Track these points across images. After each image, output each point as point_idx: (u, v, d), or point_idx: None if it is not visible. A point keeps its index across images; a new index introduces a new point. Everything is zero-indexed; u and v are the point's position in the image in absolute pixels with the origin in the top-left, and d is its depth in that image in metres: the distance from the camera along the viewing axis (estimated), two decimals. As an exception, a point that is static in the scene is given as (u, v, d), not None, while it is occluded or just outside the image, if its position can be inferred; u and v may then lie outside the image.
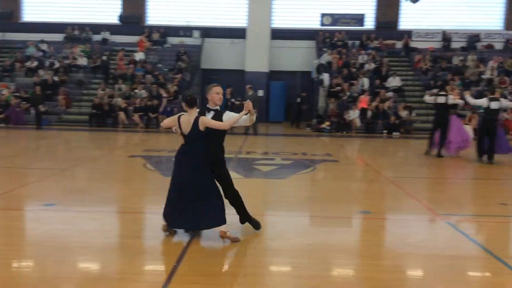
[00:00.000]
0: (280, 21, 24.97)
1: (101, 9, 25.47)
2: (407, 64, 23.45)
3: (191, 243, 4.87)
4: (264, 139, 16.30)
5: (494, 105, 10.75)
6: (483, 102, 11.23)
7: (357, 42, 24.36)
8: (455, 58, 22.80)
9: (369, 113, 19.07)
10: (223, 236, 4.87)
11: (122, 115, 18.65)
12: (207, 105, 5.08)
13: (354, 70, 21.92)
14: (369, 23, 25.17)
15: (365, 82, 20.97)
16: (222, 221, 4.85)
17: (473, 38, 24.01)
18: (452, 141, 11.85)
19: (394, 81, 21.13)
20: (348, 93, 20.20)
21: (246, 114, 4.93)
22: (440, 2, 24.54)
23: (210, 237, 5.04)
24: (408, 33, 24.40)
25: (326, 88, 20.72)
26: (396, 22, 24.97)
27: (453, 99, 12.01)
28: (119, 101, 19.25)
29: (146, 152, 11.93)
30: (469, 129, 18.31)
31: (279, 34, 24.32)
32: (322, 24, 24.74)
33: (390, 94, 20.42)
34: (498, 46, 24.26)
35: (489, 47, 24.08)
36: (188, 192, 4.83)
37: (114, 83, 20.78)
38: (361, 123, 18.83)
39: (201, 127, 4.79)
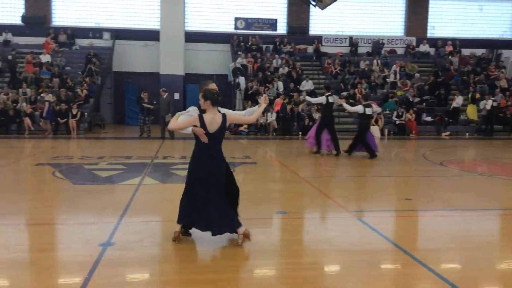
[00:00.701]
0: (195, 24, 24.87)
1: (1, 9, 23.69)
2: (318, 68, 24.38)
3: (104, 253, 4.67)
4: (182, 143, 16.07)
5: (368, 111, 12.30)
6: (359, 108, 12.51)
7: (271, 46, 24.91)
8: (362, 63, 24.11)
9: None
10: (248, 235, 4.85)
11: (28, 121, 17.46)
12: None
13: (269, 73, 22.38)
14: (282, 28, 25.83)
15: (280, 85, 21.49)
16: (239, 223, 4.90)
17: (378, 44, 25.54)
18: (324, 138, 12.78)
19: (307, 85, 21.86)
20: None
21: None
22: (347, 9, 25.81)
23: (124, 246, 4.87)
24: (318, 38, 25.37)
25: (243, 91, 20.95)
26: (307, 28, 25.86)
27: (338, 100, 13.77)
28: (24, 106, 18.01)
29: (54, 159, 11.27)
30: (375, 130, 19.51)
31: (194, 37, 24.20)
32: (236, 28, 24.98)
33: (303, 97, 21.08)
34: (400, 51, 26.04)
35: (392, 52, 25.76)
36: (214, 192, 4.78)
37: (18, 87, 19.40)
38: (278, 125, 19.27)
39: (227, 124, 4.77)
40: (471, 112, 21.00)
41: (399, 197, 8.01)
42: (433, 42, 25.93)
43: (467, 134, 20.30)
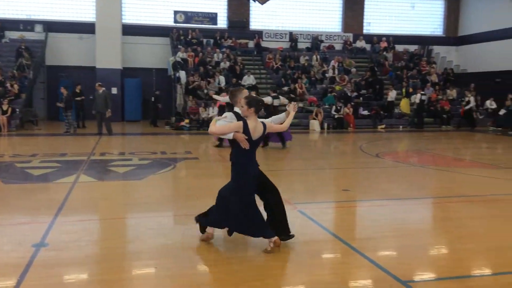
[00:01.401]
0: (132, 16, 24.18)
1: None
2: (259, 63, 24.51)
3: (37, 254, 4.45)
4: (120, 139, 15.65)
5: (276, 102, 13.23)
6: (268, 99, 13.17)
7: (212, 41, 24.74)
8: (301, 58, 24.51)
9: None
10: (279, 244, 4.69)
11: (-50, 117, 16.28)
12: (235, 109, 4.93)
13: (210, 68, 22.23)
14: (222, 22, 25.72)
15: (222, 80, 21.41)
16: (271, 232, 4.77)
17: (317, 40, 26.05)
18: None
19: (249, 79, 21.92)
20: (205, 91, 20.45)
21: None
22: (287, 5, 26.13)
23: (59, 246, 4.67)
24: (259, 33, 25.49)
25: (183, 85, 20.68)
26: (247, 22, 25.92)
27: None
28: None
29: (-18, 158, 10.59)
30: (315, 124, 19.93)
31: (132, 30, 23.53)
32: (176, 22, 24.58)
33: (245, 91, 21.15)
34: (338, 47, 26.69)
35: (330, 47, 26.36)
36: (253, 197, 4.76)
37: None
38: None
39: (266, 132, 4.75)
40: (405, 106, 21.95)
41: (338, 189, 8.24)
42: (369, 38, 26.79)
43: (400, 127, 21.19)
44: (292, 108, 5.01)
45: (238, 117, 4.80)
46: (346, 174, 9.97)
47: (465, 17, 27.85)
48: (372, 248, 4.82)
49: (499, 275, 4.23)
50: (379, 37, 26.85)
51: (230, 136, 4.66)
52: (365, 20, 27.40)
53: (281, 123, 5.03)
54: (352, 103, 21.23)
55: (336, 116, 20.43)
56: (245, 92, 4.95)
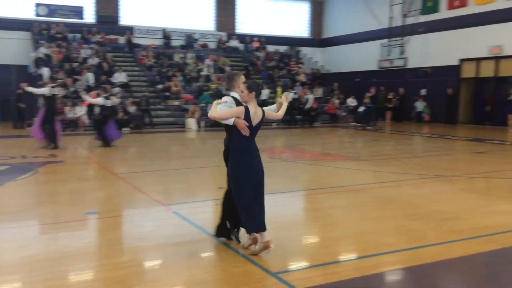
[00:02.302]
0: (-15, 7, 21.79)
1: None
2: (131, 60, 23.70)
3: None
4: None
5: (109, 102, 13.31)
6: (100, 100, 13.37)
7: (78, 36, 23.29)
8: (176, 56, 24.23)
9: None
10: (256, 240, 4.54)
11: None
12: (232, 94, 4.67)
13: (76, 64, 20.90)
14: (89, 17, 24.36)
15: (90, 77, 20.27)
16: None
17: (191, 37, 25.96)
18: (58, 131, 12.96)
19: (120, 77, 21.07)
20: (72, 89, 19.16)
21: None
22: (159, 2, 25.63)
23: None
24: (130, 29, 24.64)
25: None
26: (117, 17, 24.89)
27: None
28: None
29: None
30: (192, 122, 19.86)
31: (-16, 22, 21.19)
32: (38, 15, 22.69)
33: (117, 89, 20.27)
34: (212, 45, 26.92)
35: (204, 46, 26.48)
36: (258, 189, 4.56)
37: None
38: (89, 119, 18.14)
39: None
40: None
41: (214, 187, 8.26)
42: (242, 38, 27.46)
43: (274, 124, 22.08)
44: (284, 99, 4.93)
45: (237, 102, 4.60)
46: (223, 172, 9.99)
47: (328, 21, 29.96)
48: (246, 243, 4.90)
49: (360, 259, 4.58)
50: (252, 37, 27.65)
51: (231, 121, 4.43)
52: (237, 20, 28.01)
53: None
54: (227, 101, 21.54)
55: (212, 114, 20.54)
56: (243, 78, 4.75)
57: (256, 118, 4.51)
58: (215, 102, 4.55)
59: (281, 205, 6.76)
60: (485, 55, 20.61)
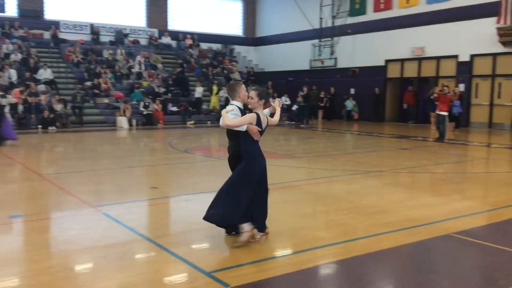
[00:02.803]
0: None
1: None
2: (57, 56, 22.60)
3: None
4: None
5: (4, 101, 13.02)
6: None
7: (-1, 30, 21.89)
8: (105, 52, 23.41)
9: (20, 108, 17.49)
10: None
11: None
12: (233, 103, 4.89)
13: (-3, 60, 19.63)
14: (12, 10, 22.94)
15: (13, 73, 19.10)
16: None
17: (120, 33, 25.19)
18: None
19: (45, 73, 20.04)
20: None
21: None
22: (87, -4, 24.67)
23: None
24: (55, 24, 23.49)
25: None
26: (42, 11, 23.63)
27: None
28: None
29: None
30: (123, 120, 19.29)
31: None
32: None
33: (42, 87, 19.27)
34: (143, 42, 26.31)
35: (135, 42, 25.80)
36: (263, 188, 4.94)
37: None
38: (12, 118, 17.07)
39: None
40: (215, 102, 22.77)
41: (146, 187, 8.07)
42: (175, 35, 27.05)
43: (209, 122, 21.95)
44: (277, 104, 5.21)
45: (240, 110, 4.86)
46: (155, 171, 9.84)
47: (261, 20, 30.27)
48: (179, 243, 4.82)
49: (294, 254, 4.64)
50: (184, 34, 27.31)
51: (244, 128, 4.67)
52: (169, 16, 27.56)
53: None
54: (161, 99, 21.16)
55: (145, 113, 20.09)
56: (244, 87, 4.98)
57: (263, 123, 4.84)
58: (224, 111, 4.76)
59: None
60: (409, 56, 21.74)
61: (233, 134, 4.84)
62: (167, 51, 26.17)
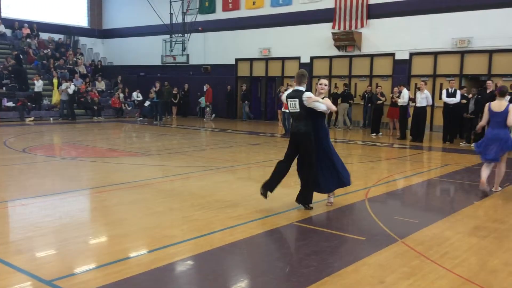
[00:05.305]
0: None
1: None
2: None
3: None
4: None
5: None
6: None
7: None
8: None
9: None
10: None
11: None
12: (301, 89, 6.05)
13: None
14: None
15: None
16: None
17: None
18: None
19: None
20: None
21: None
22: None
23: None
24: None
25: None
26: None
27: None
28: None
29: None
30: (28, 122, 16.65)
31: None
32: None
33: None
34: None
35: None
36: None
37: None
38: None
39: None
40: (57, 97, 21.03)
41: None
42: (10, 23, 24.37)
43: (51, 119, 20.25)
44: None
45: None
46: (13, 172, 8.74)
47: (108, 12, 28.88)
48: (14, 253, 4.34)
49: (143, 254, 4.50)
50: (21, 22, 24.77)
51: (325, 108, 5.87)
52: (3, 3, 24.73)
53: None
54: (-8, 94, 18.89)
55: (-28, 109, 17.73)
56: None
57: None
58: (316, 99, 5.85)
59: (57, 207, 6.19)
60: (257, 56, 22.73)
61: (308, 115, 5.91)
62: (1, 41, 23.44)
